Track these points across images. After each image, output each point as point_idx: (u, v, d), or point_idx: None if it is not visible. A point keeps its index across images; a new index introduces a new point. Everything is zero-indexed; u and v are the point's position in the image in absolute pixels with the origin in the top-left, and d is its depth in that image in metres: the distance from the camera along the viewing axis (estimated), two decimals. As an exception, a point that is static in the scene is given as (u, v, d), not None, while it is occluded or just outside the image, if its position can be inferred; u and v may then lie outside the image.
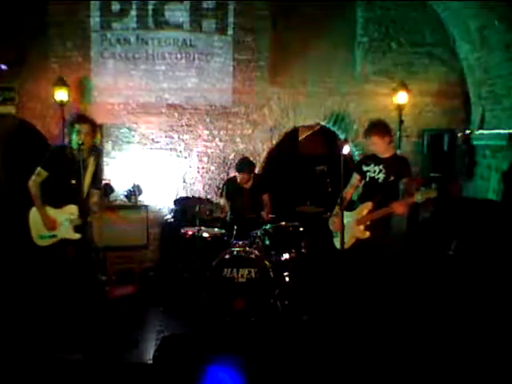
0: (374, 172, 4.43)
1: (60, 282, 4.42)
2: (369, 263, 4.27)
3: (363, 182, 4.52)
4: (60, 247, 4.36)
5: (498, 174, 5.89)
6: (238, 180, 5.70)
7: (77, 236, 4.35)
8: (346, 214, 4.37)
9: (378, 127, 4.45)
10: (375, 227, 4.32)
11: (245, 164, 5.68)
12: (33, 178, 4.33)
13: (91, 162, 4.44)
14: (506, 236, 4.91)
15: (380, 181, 4.39)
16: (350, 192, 4.65)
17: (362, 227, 4.36)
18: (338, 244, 4.47)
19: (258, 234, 5.34)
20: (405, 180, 4.35)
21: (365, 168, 4.50)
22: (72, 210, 4.34)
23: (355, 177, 4.60)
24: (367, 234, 4.34)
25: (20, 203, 4.68)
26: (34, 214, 4.38)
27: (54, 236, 4.34)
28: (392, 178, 4.34)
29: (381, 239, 4.34)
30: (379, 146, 4.42)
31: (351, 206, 4.55)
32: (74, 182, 4.26)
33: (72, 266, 4.33)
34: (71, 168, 4.26)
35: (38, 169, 4.34)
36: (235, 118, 6.84)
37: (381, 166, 4.40)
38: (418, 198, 4.06)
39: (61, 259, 4.35)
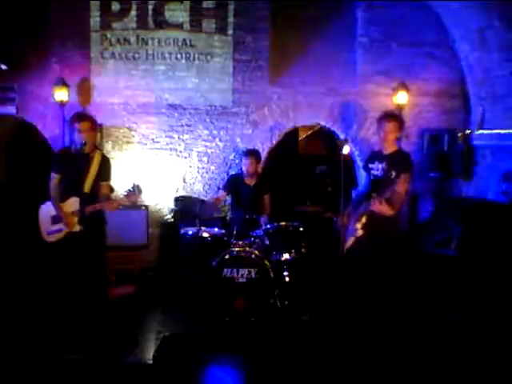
0: (377, 170, 4.43)
1: (63, 281, 4.43)
2: (365, 262, 4.28)
3: (369, 180, 4.54)
4: (68, 242, 4.36)
5: (498, 174, 5.89)
6: (244, 168, 5.78)
7: (77, 228, 4.33)
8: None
9: (395, 116, 4.52)
10: (368, 225, 4.31)
11: (251, 150, 5.97)
12: (50, 183, 4.48)
13: (96, 156, 4.49)
14: (506, 236, 4.91)
15: (384, 179, 4.36)
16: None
17: (358, 226, 4.34)
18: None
19: (258, 234, 5.35)
20: (403, 176, 4.31)
21: (370, 166, 4.52)
22: (74, 202, 4.36)
23: (365, 176, 4.68)
24: (360, 232, 4.32)
25: (21, 202, 4.72)
26: (42, 212, 4.44)
27: (59, 230, 4.35)
28: (391, 173, 4.30)
29: (373, 237, 4.33)
30: (391, 135, 4.39)
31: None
32: (81, 174, 4.34)
33: (83, 263, 4.32)
34: (76, 165, 4.30)
35: (51, 174, 4.49)
36: (235, 117, 6.83)
37: (384, 164, 4.39)
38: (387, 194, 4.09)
39: (69, 255, 4.33)
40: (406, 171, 4.33)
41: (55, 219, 4.41)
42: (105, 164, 4.57)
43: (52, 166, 4.52)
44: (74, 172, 4.33)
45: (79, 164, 4.31)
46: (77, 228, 4.34)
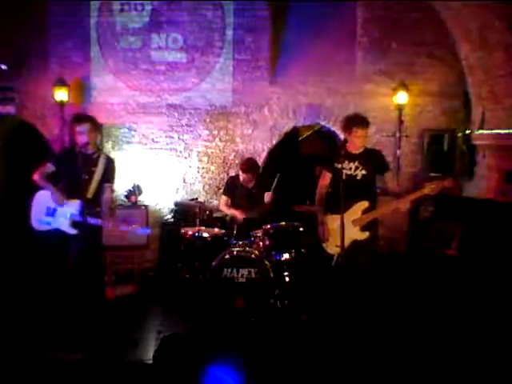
0: (350, 169, 4.27)
1: (61, 281, 4.42)
2: (369, 263, 4.24)
3: (337, 180, 4.17)
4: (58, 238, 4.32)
5: (498, 174, 5.89)
6: (241, 179, 5.68)
7: (72, 231, 4.28)
8: (333, 216, 4.23)
9: (362, 118, 4.32)
10: (371, 226, 4.24)
11: (250, 165, 5.62)
12: (38, 171, 4.37)
13: (101, 159, 4.45)
14: (506, 236, 4.91)
15: (359, 178, 4.26)
16: (324, 192, 4.46)
17: (358, 228, 4.21)
18: (329, 249, 4.35)
19: (258, 234, 5.34)
20: (389, 174, 4.35)
21: (338, 166, 4.18)
22: (75, 204, 4.31)
23: (326, 175, 4.42)
24: (367, 234, 4.21)
25: (20, 202, 4.72)
26: (39, 198, 4.39)
27: (48, 223, 4.31)
28: (371, 173, 4.27)
29: (375, 238, 4.32)
30: (363, 139, 4.28)
31: (332, 207, 4.30)
32: (86, 177, 4.26)
33: (79, 263, 4.28)
34: (79, 167, 4.19)
35: (47, 164, 4.39)
36: (235, 118, 6.83)
37: (356, 163, 4.27)
38: (428, 190, 3.96)
39: (64, 255, 4.30)
40: (387, 168, 4.37)
41: (49, 211, 4.32)
42: (109, 166, 4.50)
43: (50, 158, 4.49)
44: (76, 173, 4.23)
45: (82, 166, 4.21)
46: (69, 230, 4.29)
